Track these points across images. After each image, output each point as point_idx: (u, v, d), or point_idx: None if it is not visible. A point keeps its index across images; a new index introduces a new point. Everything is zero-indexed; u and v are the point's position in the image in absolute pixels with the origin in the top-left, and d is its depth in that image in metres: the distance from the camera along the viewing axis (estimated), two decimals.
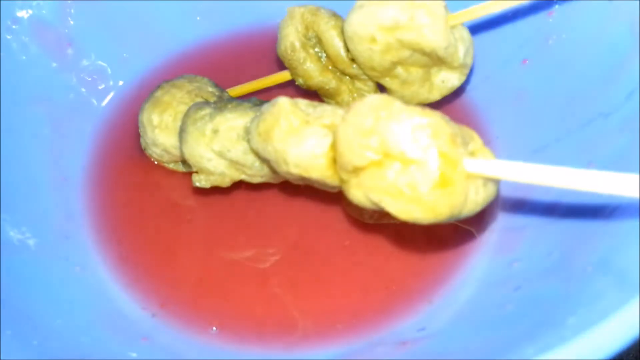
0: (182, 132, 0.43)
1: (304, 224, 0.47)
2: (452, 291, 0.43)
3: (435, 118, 0.32)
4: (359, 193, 0.35)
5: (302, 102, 0.38)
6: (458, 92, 0.49)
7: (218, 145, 0.41)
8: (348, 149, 0.34)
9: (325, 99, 0.50)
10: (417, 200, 0.32)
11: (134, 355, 0.37)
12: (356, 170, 0.35)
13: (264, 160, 0.40)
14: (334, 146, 0.36)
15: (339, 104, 0.49)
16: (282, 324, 0.43)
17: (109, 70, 0.53)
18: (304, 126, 0.36)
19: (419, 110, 0.32)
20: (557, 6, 0.48)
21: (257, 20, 0.56)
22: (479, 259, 0.44)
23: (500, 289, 0.41)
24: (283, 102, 0.37)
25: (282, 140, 0.37)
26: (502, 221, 0.44)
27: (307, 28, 0.47)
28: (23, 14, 0.49)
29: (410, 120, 0.32)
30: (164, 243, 0.46)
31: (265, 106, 0.38)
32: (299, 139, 0.36)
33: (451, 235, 0.45)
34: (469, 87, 0.51)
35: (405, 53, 0.43)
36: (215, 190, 0.45)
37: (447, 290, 0.43)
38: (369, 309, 0.43)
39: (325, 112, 0.37)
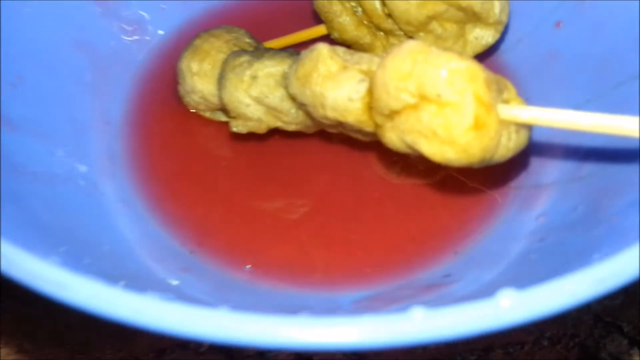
0: (221, 79, 0.45)
1: (334, 175, 0.49)
2: (477, 242, 0.45)
3: (472, 63, 0.34)
4: (394, 136, 0.37)
5: (340, 49, 0.39)
6: (490, 52, 0.50)
7: (256, 91, 0.43)
8: (385, 92, 0.35)
9: None
10: (450, 142, 0.34)
11: (175, 282, 0.39)
12: (392, 114, 0.36)
13: (301, 106, 0.42)
14: (370, 91, 0.37)
15: None
16: (313, 267, 0.45)
17: (148, 19, 0.55)
18: (342, 71, 0.38)
19: (455, 55, 0.34)
20: None
21: None
22: (504, 214, 0.46)
23: (524, 240, 0.43)
24: (322, 48, 0.39)
25: (320, 84, 0.38)
26: (528, 179, 0.46)
27: None
28: None
29: (447, 64, 0.33)
30: (199, 186, 0.48)
31: (304, 52, 0.40)
32: (337, 83, 0.38)
33: (479, 192, 0.47)
34: (501, 49, 0.52)
35: (442, 7, 0.45)
36: (250, 138, 0.47)
37: (471, 241, 0.45)
38: (396, 257, 0.45)
39: (363, 58, 0.39)
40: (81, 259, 0.33)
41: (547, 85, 0.50)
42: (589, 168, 0.43)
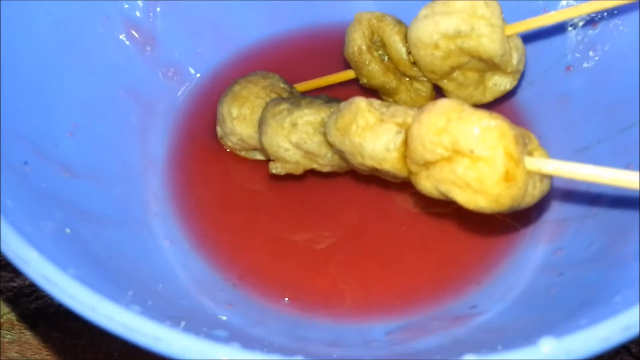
0: (261, 125, 0.48)
1: (363, 210, 0.52)
2: (499, 274, 0.48)
3: (501, 122, 0.37)
4: (429, 184, 0.40)
5: (377, 102, 0.43)
6: (506, 94, 0.53)
7: (296, 137, 0.46)
8: (421, 145, 0.39)
9: (384, 97, 0.55)
10: (483, 192, 0.37)
11: (224, 318, 0.42)
12: (427, 164, 0.40)
13: (338, 152, 0.45)
14: (405, 142, 0.41)
15: (396, 101, 0.54)
16: (345, 298, 0.48)
17: (186, 63, 0.58)
18: (379, 123, 0.41)
19: (486, 114, 0.37)
20: (601, 20, 0.52)
21: (321, 19, 0.61)
22: (525, 247, 0.49)
23: (545, 274, 0.46)
24: (360, 101, 0.42)
25: (358, 135, 0.42)
26: (549, 213, 0.49)
27: (372, 33, 0.52)
28: (115, 11, 0.54)
29: (479, 123, 0.37)
30: (238, 222, 0.51)
31: (343, 104, 0.43)
32: (375, 135, 0.41)
33: (501, 225, 0.50)
34: (516, 91, 0.55)
35: (464, 59, 0.48)
36: (284, 176, 0.50)
37: (494, 273, 0.48)
38: (424, 288, 0.48)
39: (398, 111, 0.42)
40: (146, 302, 0.36)
41: (558, 125, 0.54)
42: (601, 206, 0.47)
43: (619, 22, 0.52)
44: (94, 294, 0.31)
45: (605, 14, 0.52)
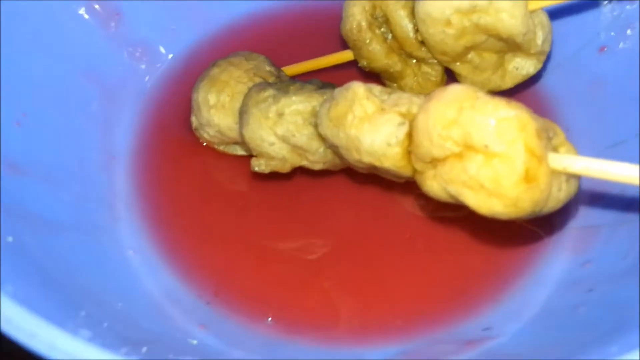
0: (242, 114, 0.47)
1: (360, 215, 0.51)
2: (520, 291, 0.47)
3: (522, 111, 0.36)
4: (436, 184, 0.39)
5: (376, 88, 0.42)
6: (529, 80, 0.52)
7: (282, 129, 0.45)
8: (427, 139, 0.38)
9: (387, 82, 0.54)
10: (499, 195, 0.36)
11: (195, 342, 0.41)
12: (434, 162, 0.38)
13: (332, 147, 0.44)
14: (409, 136, 0.40)
15: (401, 87, 0.53)
16: (339, 318, 0.47)
17: (157, 42, 0.57)
18: (379, 113, 0.40)
19: (504, 102, 0.36)
20: None
21: None
22: (549, 259, 0.48)
23: (571, 290, 0.45)
24: (357, 87, 0.41)
25: (355, 126, 0.40)
26: (575, 219, 0.48)
27: (374, 7, 0.50)
28: None
29: (496, 113, 0.36)
30: (214, 229, 0.51)
31: (338, 91, 0.42)
32: (374, 127, 0.40)
33: (520, 232, 0.49)
34: (541, 75, 0.55)
35: (481, 38, 0.47)
36: (269, 175, 0.49)
37: (512, 289, 0.47)
38: (430, 307, 0.47)
39: (401, 99, 0.41)
40: (101, 324, 0.35)
41: (589, 116, 0.53)
42: (637, 212, 0.46)
43: None
44: (34, 317, 0.30)
45: None
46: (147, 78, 0.57)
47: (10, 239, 0.38)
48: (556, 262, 0.48)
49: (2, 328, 0.28)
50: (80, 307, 0.35)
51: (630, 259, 0.43)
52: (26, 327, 0.28)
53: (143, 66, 0.57)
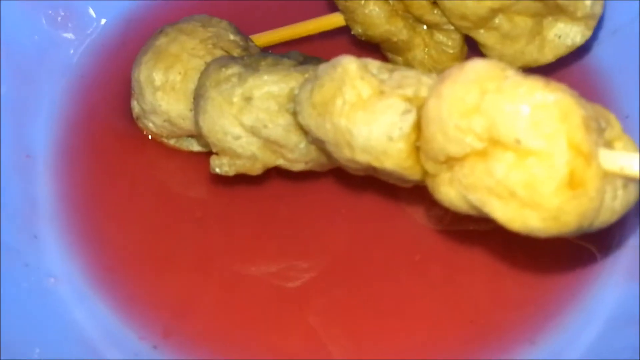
0: (198, 98, 0.47)
1: (355, 228, 0.52)
2: (563, 328, 0.47)
3: (564, 95, 0.36)
4: (452, 191, 0.39)
5: (374, 65, 0.41)
6: (577, 51, 0.52)
7: (250, 118, 0.45)
8: (441, 132, 0.37)
9: (389, 55, 0.54)
10: (535, 205, 0.36)
11: None
12: (450, 161, 0.38)
13: (316, 142, 0.44)
14: (418, 127, 0.40)
15: (408, 62, 0.53)
16: None
17: (84, 4, 0.57)
18: (378, 97, 0.40)
19: (541, 83, 0.36)
20: None
21: None
22: (600, 287, 0.48)
23: (627, 328, 0.45)
24: (348, 64, 0.41)
25: (346, 115, 0.40)
26: (635, 236, 0.48)
27: None
28: None
29: (530, 97, 0.35)
30: (164, 249, 0.51)
31: (323, 67, 0.42)
32: (371, 115, 0.40)
33: (563, 251, 0.49)
34: (591, 45, 0.55)
35: None
36: (234, 178, 0.49)
37: (555, 327, 0.47)
38: (446, 349, 0.48)
39: (407, 79, 0.41)
40: None
41: None
42: None
43: None
44: None
45: None
46: (72, 50, 0.57)
47: None
48: (609, 291, 0.48)
49: None
50: None
51: None
52: None
53: (67, 35, 0.57)
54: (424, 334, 0.48)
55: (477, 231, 0.50)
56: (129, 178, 0.53)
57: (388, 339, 0.48)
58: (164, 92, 0.50)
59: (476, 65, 0.37)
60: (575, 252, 0.50)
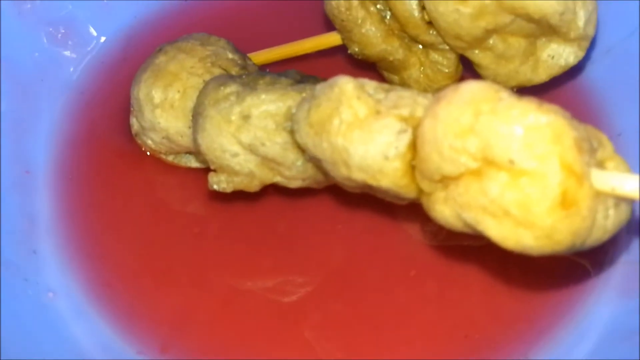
0: (197, 116, 0.47)
1: (351, 244, 0.52)
2: (556, 344, 0.48)
3: (556, 117, 0.36)
4: (447, 210, 0.39)
5: (370, 85, 0.42)
6: (570, 71, 0.53)
7: (248, 136, 0.45)
8: (436, 151, 0.38)
9: (385, 74, 0.55)
10: (528, 224, 0.36)
11: None
12: (445, 180, 0.39)
13: (313, 160, 0.44)
14: (413, 146, 0.40)
15: (404, 81, 0.54)
16: None
17: (86, 21, 0.57)
18: (374, 117, 0.40)
19: (534, 105, 0.36)
20: None
21: None
22: (594, 302, 0.49)
23: (621, 343, 0.46)
24: (345, 84, 0.41)
25: (343, 134, 0.41)
26: (627, 253, 0.49)
27: None
28: None
29: (523, 119, 0.36)
30: (162, 265, 0.51)
31: (320, 87, 0.42)
32: (367, 135, 0.40)
33: (557, 268, 0.49)
34: (584, 65, 0.56)
35: (505, 19, 0.47)
36: (232, 195, 0.49)
37: (549, 342, 0.48)
38: None
39: (402, 99, 0.41)
40: None
41: None
42: None
43: None
44: None
45: None
46: (72, 68, 0.57)
47: None
48: (602, 306, 0.48)
49: None
50: None
51: None
52: None
53: (67, 52, 0.57)
54: (418, 349, 0.48)
55: (472, 247, 0.50)
56: (127, 194, 0.53)
57: (383, 354, 0.49)
58: (163, 110, 0.50)
59: (471, 87, 0.38)
60: (569, 268, 0.50)
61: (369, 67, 0.54)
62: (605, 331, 0.47)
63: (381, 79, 0.53)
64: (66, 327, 0.47)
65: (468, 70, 0.52)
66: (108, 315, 0.49)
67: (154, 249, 0.51)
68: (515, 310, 0.49)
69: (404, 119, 0.40)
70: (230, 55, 0.52)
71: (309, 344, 0.49)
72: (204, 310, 0.50)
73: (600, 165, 0.39)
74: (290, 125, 0.45)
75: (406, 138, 0.40)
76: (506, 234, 0.37)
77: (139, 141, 0.53)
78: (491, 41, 0.49)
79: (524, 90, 0.42)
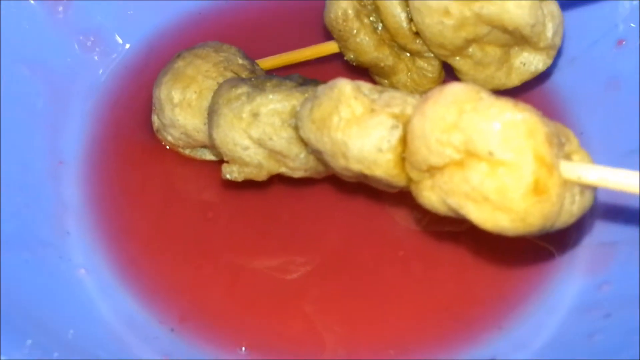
0: (212, 114, 0.47)
1: (347, 228, 0.52)
2: (527, 316, 0.48)
3: (530, 114, 0.37)
4: (434, 196, 0.40)
5: (366, 86, 0.42)
6: (538, 77, 0.53)
7: (257, 131, 0.46)
8: (424, 145, 0.38)
9: (377, 78, 0.55)
10: (505, 208, 0.37)
11: None
12: (431, 170, 0.39)
13: (315, 152, 0.44)
14: (403, 140, 0.40)
15: (394, 84, 0.54)
16: (322, 348, 0.48)
17: (112, 30, 0.58)
18: (369, 115, 0.41)
19: (510, 104, 0.37)
20: None
21: None
22: (561, 280, 0.49)
23: (586, 316, 0.46)
24: (344, 85, 0.42)
25: (342, 130, 0.41)
26: (591, 236, 0.49)
27: None
28: None
29: (501, 116, 0.36)
30: (179, 244, 0.51)
31: (321, 89, 0.43)
32: (363, 130, 0.41)
33: (528, 249, 0.50)
34: (552, 71, 0.56)
35: (483, 30, 0.48)
36: (242, 183, 0.49)
37: (522, 315, 0.48)
38: (427, 334, 0.48)
39: (394, 99, 0.41)
40: (50, 353, 0.35)
41: (606, 117, 0.54)
42: None
43: None
44: None
45: None
46: (100, 71, 0.57)
47: None
48: (569, 284, 0.49)
49: None
50: (27, 335, 0.36)
51: None
52: None
53: (96, 57, 0.57)
54: (406, 320, 0.49)
55: (452, 232, 0.51)
56: (149, 183, 0.53)
57: (375, 325, 0.49)
58: (181, 109, 0.50)
59: (455, 88, 0.38)
60: (537, 251, 0.50)
61: (362, 72, 0.55)
62: (572, 304, 0.47)
63: (373, 83, 0.53)
64: (96, 299, 0.47)
65: (450, 75, 0.52)
66: (133, 289, 0.49)
67: (173, 231, 0.51)
68: (490, 286, 0.50)
69: (395, 117, 0.41)
70: (240, 61, 0.52)
71: (308, 316, 0.49)
72: (217, 285, 0.50)
73: (568, 157, 0.39)
74: (295, 122, 0.45)
75: (397, 133, 0.40)
76: (485, 217, 0.38)
77: (160, 136, 0.53)
78: (470, 50, 0.49)
79: (499, 93, 0.42)
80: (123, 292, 0.49)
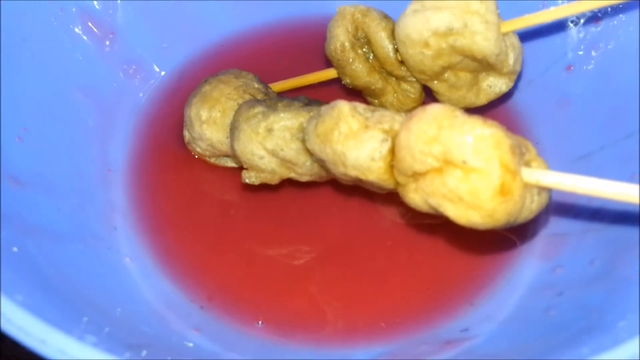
0: (234, 129, 0.47)
1: (345, 223, 0.52)
2: (494, 294, 0.48)
3: (496, 130, 0.37)
4: (417, 197, 0.40)
5: (360, 107, 0.42)
6: (501, 97, 0.53)
7: (271, 144, 0.46)
8: (409, 155, 0.39)
9: (369, 98, 0.55)
10: (476, 207, 0.37)
11: (190, 345, 0.42)
12: (415, 175, 0.39)
13: (319, 161, 0.44)
14: (392, 151, 0.40)
15: (382, 103, 0.54)
16: (325, 321, 0.48)
17: (150, 59, 0.58)
18: (363, 130, 0.41)
19: (480, 121, 0.37)
20: (604, 16, 0.53)
21: (301, 12, 0.61)
22: (521, 264, 0.49)
23: (543, 293, 0.46)
24: (343, 106, 0.42)
25: (341, 142, 0.41)
26: (546, 227, 0.49)
27: (357, 28, 0.51)
28: (70, 1, 0.53)
29: (473, 131, 0.37)
30: (207, 237, 0.51)
31: (324, 108, 0.43)
32: (359, 143, 0.41)
33: (494, 239, 0.50)
34: (513, 92, 0.56)
35: (456, 58, 0.48)
36: (258, 186, 0.49)
37: (488, 292, 0.48)
38: (411, 310, 0.48)
39: (384, 117, 0.42)
40: (102, 329, 0.35)
41: (558, 129, 0.54)
42: (602, 221, 0.47)
43: (624, 19, 0.52)
44: (45, 325, 0.30)
45: (609, 9, 0.53)
46: (141, 94, 0.57)
47: (15, 249, 0.38)
48: (528, 267, 0.49)
49: (14, 336, 0.28)
50: (83, 313, 0.36)
51: (597, 264, 0.45)
52: (37, 334, 0.29)
53: (137, 83, 0.57)
54: (394, 298, 0.49)
55: (431, 225, 0.51)
56: (181, 186, 0.53)
57: (368, 302, 0.49)
58: (208, 125, 0.50)
59: (435, 108, 0.38)
60: (502, 240, 0.50)
61: (356, 94, 0.55)
62: (530, 284, 0.48)
63: (366, 102, 0.54)
64: (139, 282, 0.47)
65: (429, 96, 0.52)
66: (169, 273, 0.49)
67: (201, 225, 0.51)
68: (462, 270, 0.50)
69: (385, 131, 0.41)
70: (256, 85, 0.52)
71: (312, 295, 0.49)
72: (237, 269, 0.50)
73: (527, 164, 0.39)
74: (302, 136, 0.45)
75: (387, 145, 0.40)
76: (460, 214, 0.38)
77: (190, 148, 0.53)
78: (446, 75, 0.49)
79: (469, 111, 0.42)
80: (161, 276, 0.49)
